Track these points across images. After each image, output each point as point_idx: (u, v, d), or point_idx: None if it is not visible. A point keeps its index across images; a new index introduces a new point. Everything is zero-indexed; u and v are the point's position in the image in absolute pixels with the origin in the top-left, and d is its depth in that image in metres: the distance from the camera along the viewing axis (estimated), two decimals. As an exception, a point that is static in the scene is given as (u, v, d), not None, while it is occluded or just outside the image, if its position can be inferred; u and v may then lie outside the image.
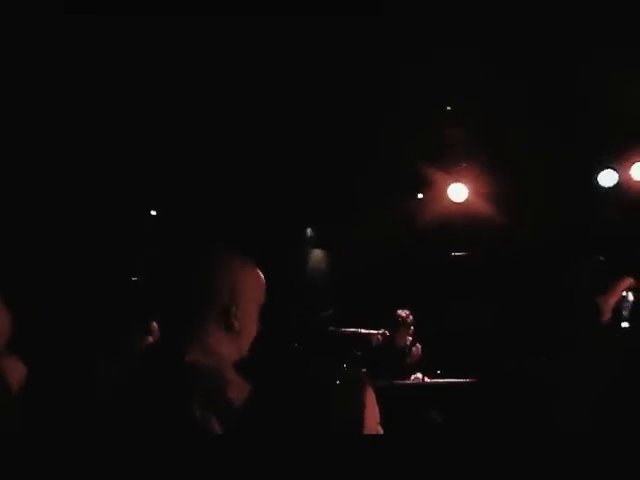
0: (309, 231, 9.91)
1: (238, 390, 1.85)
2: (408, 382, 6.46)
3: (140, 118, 6.63)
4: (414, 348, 6.80)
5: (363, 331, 6.82)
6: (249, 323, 2.09)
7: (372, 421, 1.53)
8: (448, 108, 7.12)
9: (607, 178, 7.70)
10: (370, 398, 1.55)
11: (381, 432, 1.56)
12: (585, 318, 2.65)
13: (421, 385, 6.38)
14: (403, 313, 6.87)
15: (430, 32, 5.74)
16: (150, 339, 3.14)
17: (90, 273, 6.89)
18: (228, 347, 2.05)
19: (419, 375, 6.55)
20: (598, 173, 7.71)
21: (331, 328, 6.75)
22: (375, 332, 6.80)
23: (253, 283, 2.10)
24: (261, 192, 8.41)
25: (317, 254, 9.99)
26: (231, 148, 7.40)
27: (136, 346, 3.08)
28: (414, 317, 6.90)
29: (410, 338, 6.88)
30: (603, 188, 7.72)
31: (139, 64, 5.80)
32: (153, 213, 9.06)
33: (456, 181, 7.96)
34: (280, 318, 7.43)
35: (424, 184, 8.28)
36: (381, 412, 1.78)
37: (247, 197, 8.44)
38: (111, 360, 3.02)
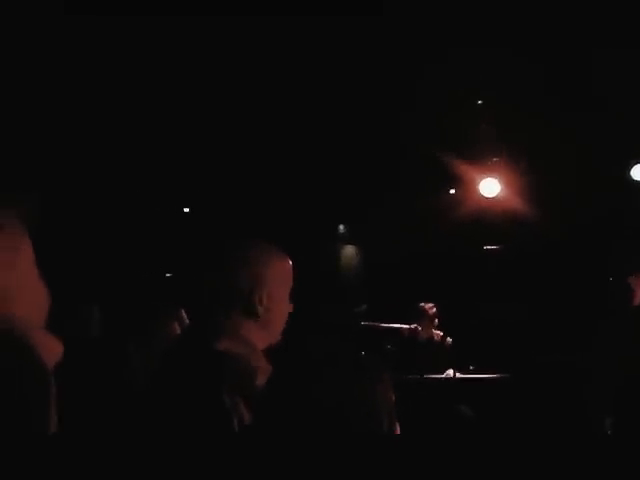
0: (341, 228, 9.95)
1: (267, 376, 1.89)
2: (437, 376, 6.45)
3: (174, 119, 6.71)
4: (442, 341, 6.78)
5: (394, 325, 6.82)
6: (277, 309, 2.09)
7: (383, 409, 1.54)
8: (479, 102, 7.10)
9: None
10: (383, 387, 1.56)
11: (395, 422, 1.57)
12: (619, 297, 2.65)
13: (451, 380, 6.35)
14: (426, 306, 6.86)
15: (455, 28, 5.74)
16: (177, 327, 3.18)
17: (127, 267, 7.00)
18: (258, 334, 2.06)
19: (450, 371, 6.53)
20: (632, 166, 7.64)
21: (363, 323, 6.77)
22: (406, 326, 6.80)
23: (278, 268, 2.11)
24: (294, 190, 8.46)
25: (349, 250, 10.03)
26: (265, 147, 7.45)
27: (165, 331, 3.13)
28: (438, 310, 6.88)
29: (437, 332, 6.86)
30: (636, 181, 7.64)
31: (161, 61, 5.85)
32: (186, 210, 9.17)
33: (488, 176, 7.94)
34: (311, 314, 7.50)
35: (456, 179, 8.26)
36: (407, 405, 1.78)
37: (280, 195, 8.50)
38: (141, 346, 3.07)
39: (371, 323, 6.92)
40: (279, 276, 2.11)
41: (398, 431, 1.54)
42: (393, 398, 1.53)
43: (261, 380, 1.84)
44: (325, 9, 5.07)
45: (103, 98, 6.16)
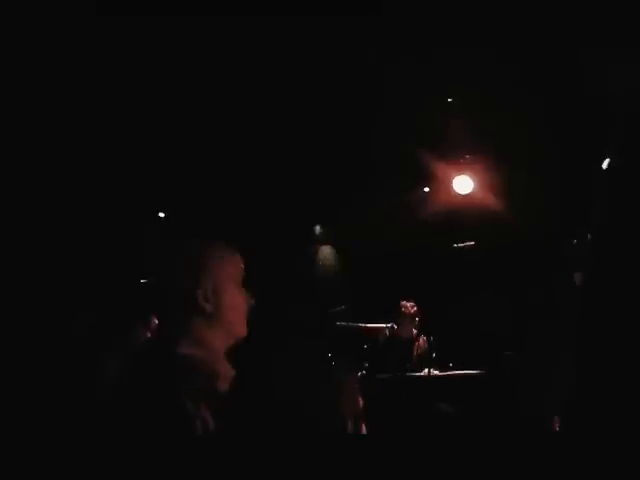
0: (317, 228, 9.94)
1: (230, 383, 1.87)
2: (416, 374, 6.46)
3: (146, 119, 6.65)
4: (420, 340, 6.79)
5: (370, 325, 6.82)
6: (227, 304, 2.06)
7: (349, 409, 1.52)
8: (449, 100, 7.11)
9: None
10: (348, 386, 1.54)
11: (362, 424, 1.55)
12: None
13: (430, 377, 6.37)
14: (407, 304, 6.86)
15: (431, 27, 5.74)
16: (148, 334, 3.17)
17: (98, 274, 6.94)
18: (214, 333, 2.04)
19: (431, 370, 6.53)
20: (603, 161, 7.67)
21: (339, 323, 6.76)
22: (383, 325, 6.80)
23: (219, 263, 2.08)
24: (268, 191, 8.43)
25: (325, 251, 10.02)
26: (237, 148, 7.42)
27: (137, 339, 3.11)
28: (419, 309, 6.90)
29: (415, 330, 6.87)
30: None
31: (138, 62, 5.80)
32: (161, 215, 9.11)
33: (461, 173, 7.97)
34: (285, 314, 7.46)
35: (430, 177, 8.27)
36: (387, 404, 1.77)
37: (255, 197, 8.47)
38: (109, 357, 3.05)
39: (348, 323, 6.91)
40: (222, 269, 2.08)
41: (364, 433, 1.52)
42: (361, 401, 1.51)
43: (222, 384, 1.83)
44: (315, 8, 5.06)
45: (73, 99, 6.11)
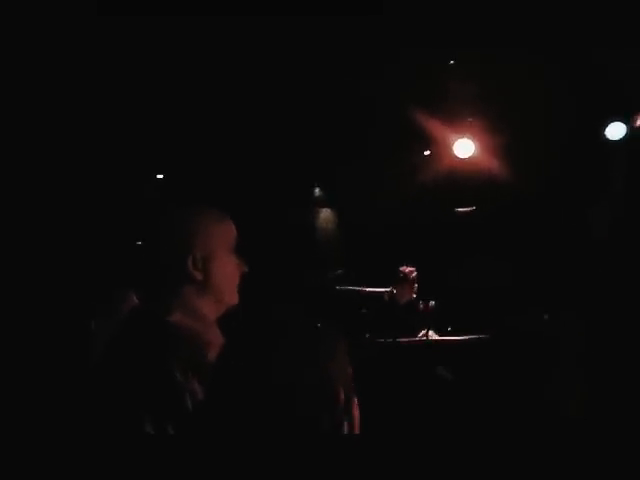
0: (317, 191, 9.88)
1: (219, 351, 1.83)
2: (412, 339, 6.44)
3: (143, 84, 6.60)
4: (421, 304, 6.75)
5: (369, 289, 6.78)
6: (218, 271, 2.03)
7: (339, 381, 1.48)
8: (451, 62, 7.02)
9: (615, 130, 7.61)
10: (338, 358, 1.50)
11: (353, 394, 1.51)
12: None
13: (425, 342, 6.35)
14: (406, 269, 6.82)
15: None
16: (136, 301, 3.12)
17: (90, 237, 6.91)
18: (204, 301, 2.01)
19: (428, 333, 6.51)
20: (606, 125, 7.62)
21: (337, 287, 6.71)
22: (381, 290, 6.77)
23: (210, 229, 2.04)
24: (268, 154, 8.38)
25: (325, 214, 9.97)
26: (234, 108, 7.35)
27: (121, 310, 3.06)
28: (418, 273, 6.86)
29: (414, 295, 6.84)
30: (611, 141, 7.62)
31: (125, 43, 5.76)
32: (160, 177, 9.07)
33: (462, 136, 7.90)
34: (285, 278, 7.44)
35: (431, 140, 8.21)
36: (386, 369, 1.74)
37: (254, 160, 8.42)
38: (103, 323, 3.01)
39: (348, 287, 6.87)
40: (213, 237, 2.03)
41: (356, 403, 1.49)
42: (350, 369, 1.48)
43: (212, 354, 1.78)
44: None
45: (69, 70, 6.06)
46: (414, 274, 6.82)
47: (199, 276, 1.99)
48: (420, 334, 6.52)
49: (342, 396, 1.45)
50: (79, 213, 7.16)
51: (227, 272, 2.06)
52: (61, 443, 1.82)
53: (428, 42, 5.91)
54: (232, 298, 2.07)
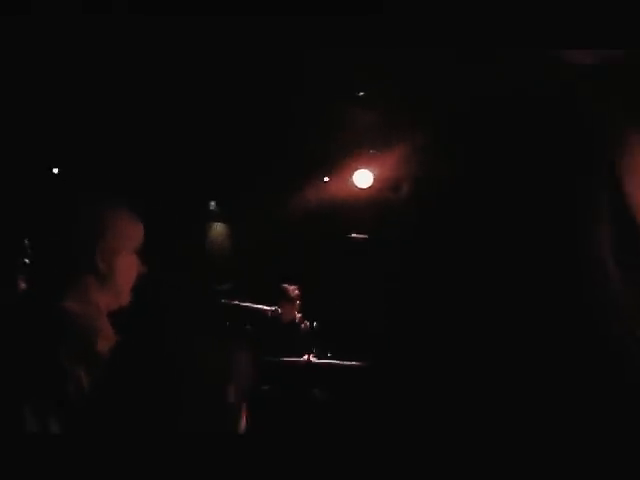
0: (212, 205, 9.88)
1: (109, 342, 1.84)
2: (294, 360, 6.49)
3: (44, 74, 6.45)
4: (302, 325, 6.83)
5: (255, 306, 6.80)
6: (120, 265, 2.05)
7: (238, 381, 1.51)
8: (361, 94, 7.16)
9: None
10: (246, 357, 1.53)
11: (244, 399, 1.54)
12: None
13: (307, 364, 6.42)
14: (289, 287, 6.90)
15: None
16: (23, 285, 3.08)
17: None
18: (101, 293, 2.02)
19: (310, 356, 6.58)
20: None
21: (223, 301, 6.71)
22: (267, 308, 6.80)
23: (124, 226, 2.07)
24: (168, 166, 8.33)
25: (219, 228, 9.97)
26: (138, 118, 7.29)
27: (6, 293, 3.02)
28: (301, 293, 6.94)
29: (298, 315, 6.91)
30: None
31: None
32: (55, 171, 8.87)
33: (362, 167, 8.06)
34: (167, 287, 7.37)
35: (332, 168, 8.34)
36: (263, 386, 1.76)
37: (153, 169, 8.35)
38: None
39: (232, 302, 6.87)
40: (123, 233, 2.06)
41: (244, 409, 1.52)
42: (249, 376, 1.51)
43: (102, 344, 1.80)
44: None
45: None
46: (296, 292, 6.90)
47: (104, 269, 2.00)
48: (303, 356, 6.58)
49: (231, 396, 1.48)
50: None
51: (129, 268, 2.09)
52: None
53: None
54: (127, 296, 2.10)
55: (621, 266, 0.73)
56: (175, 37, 5.69)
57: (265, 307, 6.82)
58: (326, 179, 8.76)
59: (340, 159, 8.05)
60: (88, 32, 5.56)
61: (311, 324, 6.84)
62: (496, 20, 2.58)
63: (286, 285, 6.92)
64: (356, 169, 8.06)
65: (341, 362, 6.38)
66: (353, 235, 7.83)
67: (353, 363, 6.17)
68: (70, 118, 7.18)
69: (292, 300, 6.88)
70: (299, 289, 6.94)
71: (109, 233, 2.02)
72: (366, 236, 7.88)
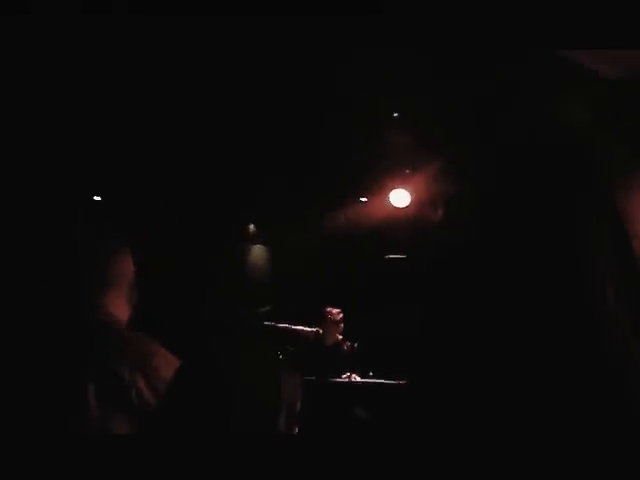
0: (251, 227, 9.94)
1: (165, 360, 1.94)
2: (337, 380, 6.52)
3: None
4: (345, 346, 6.85)
5: (297, 327, 6.86)
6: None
7: (287, 404, 1.55)
8: (395, 115, 7.18)
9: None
10: (293, 384, 1.57)
11: (294, 422, 1.58)
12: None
13: (349, 383, 6.45)
14: (332, 310, 6.93)
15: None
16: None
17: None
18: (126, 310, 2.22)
19: (352, 375, 6.60)
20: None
21: (266, 323, 6.77)
22: (308, 329, 6.85)
23: (113, 259, 2.25)
24: (206, 188, 8.39)
25: (258, 250, 10.03)
26: (175, 141, 7.34)
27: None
28: (344, 316, 6.96)
29: (340, 337, 6.94)
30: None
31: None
32: (97, 199, 8.99)
33: (399, 187, 8.08)
34: (213, 311, 7.43)
35: (368, 188, 8.36)
36: (310, 407, 1.81)
37: (192, 192, 8.42)
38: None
39: (275, 324, 6.93)
40: (110, 268, 2.24)
41: (294, 430, 1.55)
42: (299, 400, 1.54)
43: (160, 362, 1.90)
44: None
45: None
46: (340, 315, 6.93)
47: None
48: (344, 375, 6.60)
49: (284, 419, 1.52)
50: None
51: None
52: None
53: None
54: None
55: (618, 292, 0.77)
56: (187, 40, 5.73)
57: (307, 328, 6.88)
58: (363, 199, 8.79)
59: (377, 179, 8.07)
60: (88, 32, 5.61)
61: (352, 345, 6.86)
62: (497, 20, 2.61)
63: (329, 308, 6.96)
64: (393, 188, 8.08)
65: (384, 381, 6.39)
66: (390, 256, 7.84)
67: (394, 382, 6.18)
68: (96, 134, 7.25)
69: (336, 323, 6.92)
70: (342, 312, 6.97)
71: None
72: (404, 256, 7.88)
